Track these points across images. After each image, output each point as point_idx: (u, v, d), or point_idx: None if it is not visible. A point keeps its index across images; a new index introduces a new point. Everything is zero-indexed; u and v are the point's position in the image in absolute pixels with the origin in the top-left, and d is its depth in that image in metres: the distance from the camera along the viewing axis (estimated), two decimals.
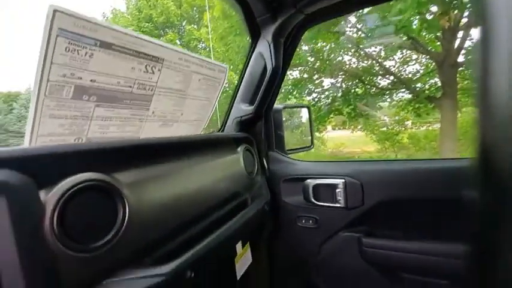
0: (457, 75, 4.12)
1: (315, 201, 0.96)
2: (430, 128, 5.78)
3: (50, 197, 0.37)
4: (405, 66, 5.08)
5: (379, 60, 5.12)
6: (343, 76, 5.40)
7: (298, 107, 2.27)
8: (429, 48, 4.44)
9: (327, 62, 5.28)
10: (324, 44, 5.10)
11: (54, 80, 0.46)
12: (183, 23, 10.27)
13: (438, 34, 4.09)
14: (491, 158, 0.22)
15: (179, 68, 0.66)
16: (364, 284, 0.92)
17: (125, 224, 0.44)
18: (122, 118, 0.60)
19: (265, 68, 0.94)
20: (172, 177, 0.60)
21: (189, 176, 0.66)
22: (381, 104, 5.55)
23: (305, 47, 5.26)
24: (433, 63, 4.58)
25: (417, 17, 3.64)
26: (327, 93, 5.56)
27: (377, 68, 5.19)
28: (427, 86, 4.71)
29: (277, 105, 1.11)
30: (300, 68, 5.58)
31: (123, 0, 10.60)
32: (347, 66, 5.34)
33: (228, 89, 3.83)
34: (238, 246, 0.82)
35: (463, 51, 4.00)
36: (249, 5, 0.87)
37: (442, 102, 4.24)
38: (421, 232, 0.84)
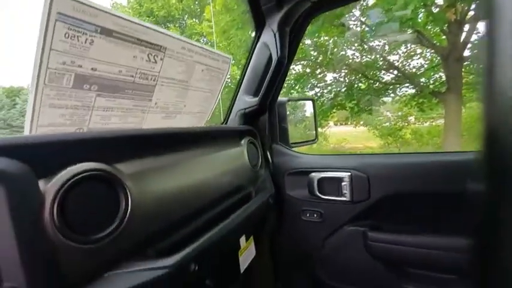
0: (463, 69, 4.06)
1: (320, 195, 0.95)
2: (433, 123, 5.73)
3: (49, 187, 0.36)
4: (409, 60, 5.00)
5: (383, 54, 5.05)
6: (346, 70, 5.34)
7: (302, 99, 2.25)
8: (434, 42, 4.37)
9: (330, 56, 5.22)
10: (327, 37, 5.04)
11: (54, 68, 0.44)
12: (185, 17, 10.19)
13: (444, 27, 4.02)
14: (496, 150, 0.23)
15: (182, 58, 0.65)
16: (369, 278, 0.91)
17: (127, 215, 0.43)
18: (123, 109, 0.58)
19: (270, 59, 0.92)
20: (176, 168, 0.59)
21: (192, 168, 0.64)
22: (384, 99, 5.50)
23: (308, 41, 5.20)
24: (438, 58, 4.52)
25: (423, 10, 3.57)
26: (329, 87, 5.52)
27: (381, 63, 5.12)
28: (431, 81, 4.65)
29: (281, 97, 1.09)
30: (302, 62, 5.52)
31: None
32: (350, 60, 5.29)
33: (230, 84, 3.80)
34: (242, 239, 0.81)
35: (469, 45, 3.93)
36: None
37: (447, 97, 4.19)
38: (428, 226, 0.83)
